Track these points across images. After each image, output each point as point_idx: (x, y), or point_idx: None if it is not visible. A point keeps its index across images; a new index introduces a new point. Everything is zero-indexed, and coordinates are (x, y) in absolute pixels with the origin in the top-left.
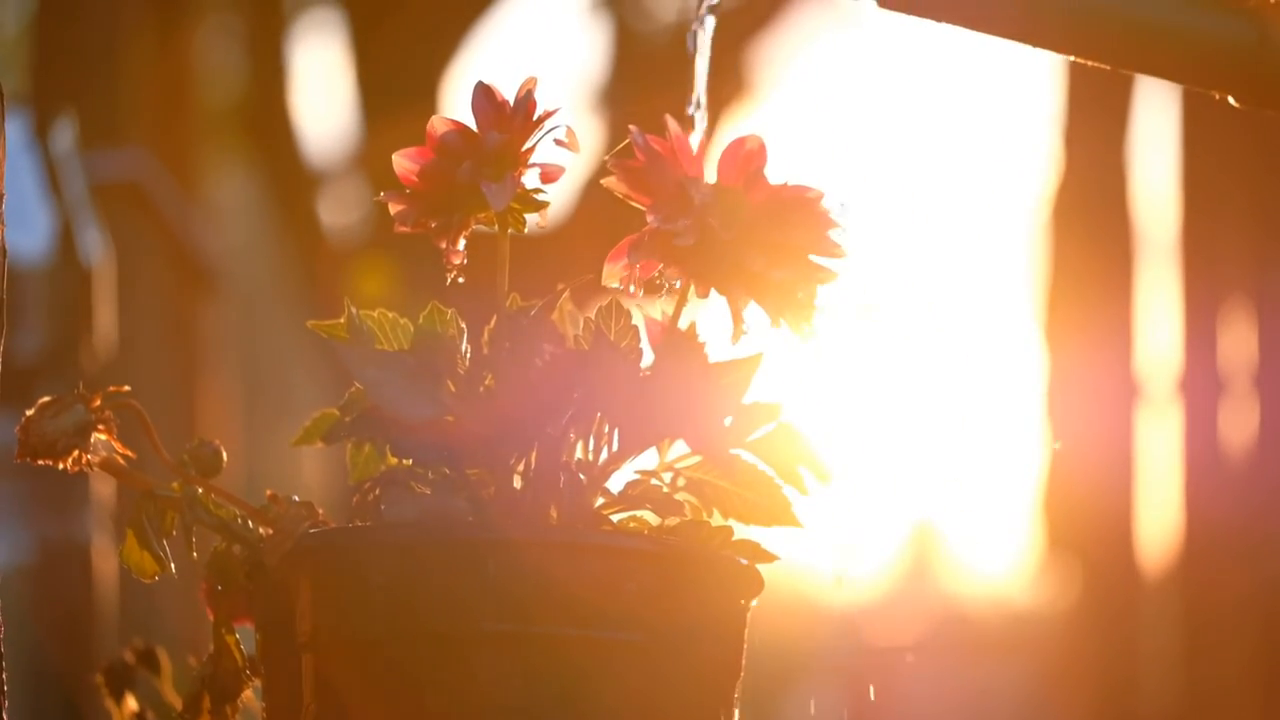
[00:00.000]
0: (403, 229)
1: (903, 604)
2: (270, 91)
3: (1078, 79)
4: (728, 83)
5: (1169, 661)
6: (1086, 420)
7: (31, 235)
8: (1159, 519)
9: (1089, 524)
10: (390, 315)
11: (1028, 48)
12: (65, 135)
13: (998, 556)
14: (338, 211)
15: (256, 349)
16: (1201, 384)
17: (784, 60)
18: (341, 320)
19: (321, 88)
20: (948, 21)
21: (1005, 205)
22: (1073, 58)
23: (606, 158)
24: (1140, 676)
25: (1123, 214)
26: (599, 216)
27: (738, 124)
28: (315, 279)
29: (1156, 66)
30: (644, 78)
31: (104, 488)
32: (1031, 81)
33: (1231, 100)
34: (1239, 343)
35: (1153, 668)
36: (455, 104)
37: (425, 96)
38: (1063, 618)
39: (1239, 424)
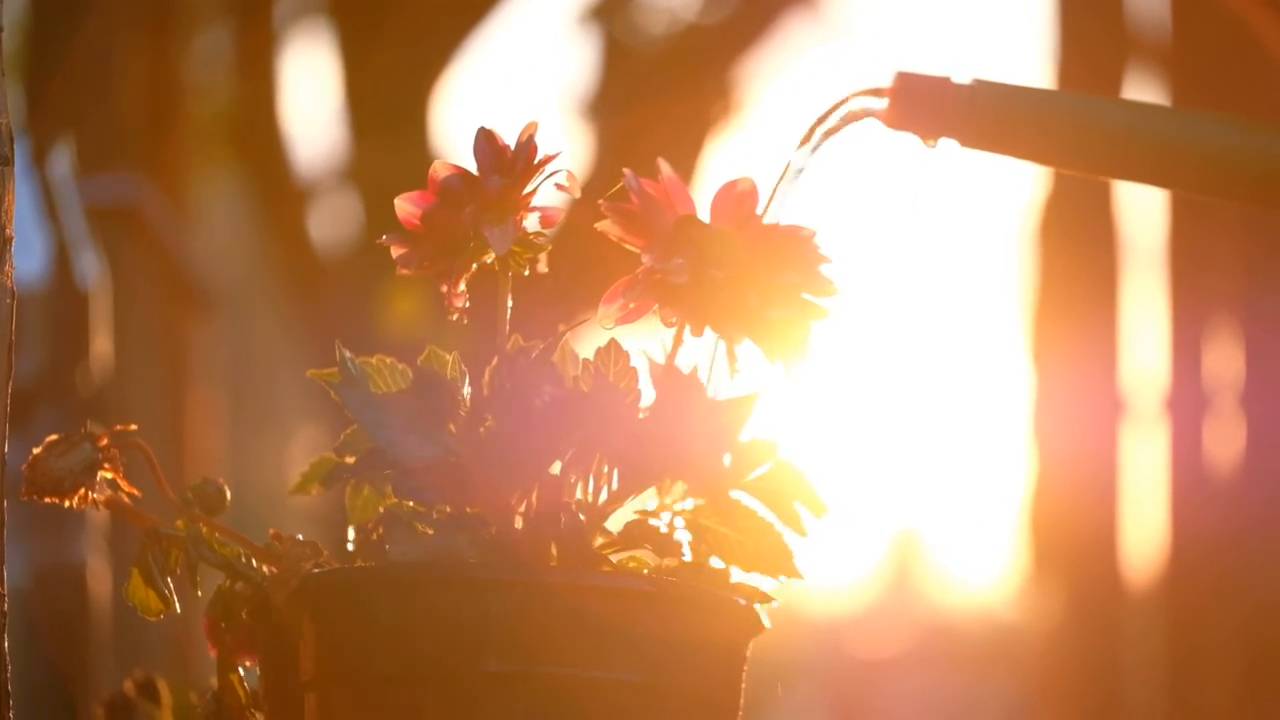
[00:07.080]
0: (405, 271)
1: (886, 616)
2: (263, 109)
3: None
4: (715, 102)
5: (1153, 677)
6: (1072, 435)
7: (28, 260)
8: (1144, 534)
9: (1074, 539)
10: (388, 361)
11: (1113, 180)
12: (61, 160)
13: (982, 570)
14: (331, 228)
15: (252, 371)
16: (1188, 399)
17: (772, 77)
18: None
19: (313, 103)
20: (1034, 161)
21: (991, 215)
22: (1152, 188)
23: (600, 201)
24: (1124, 692)
25: (1109, 225)
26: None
27: (725, 145)
28: (310, 298)
29: (1231, 191)
30: (632, 91)
31: (98, 511)
32: None
33: None
34: (1226, 358)
35: (1137, 683)
36: (445, 118)
37: (416, 110)
38: (1047, 632)
39: (1225, 440)
